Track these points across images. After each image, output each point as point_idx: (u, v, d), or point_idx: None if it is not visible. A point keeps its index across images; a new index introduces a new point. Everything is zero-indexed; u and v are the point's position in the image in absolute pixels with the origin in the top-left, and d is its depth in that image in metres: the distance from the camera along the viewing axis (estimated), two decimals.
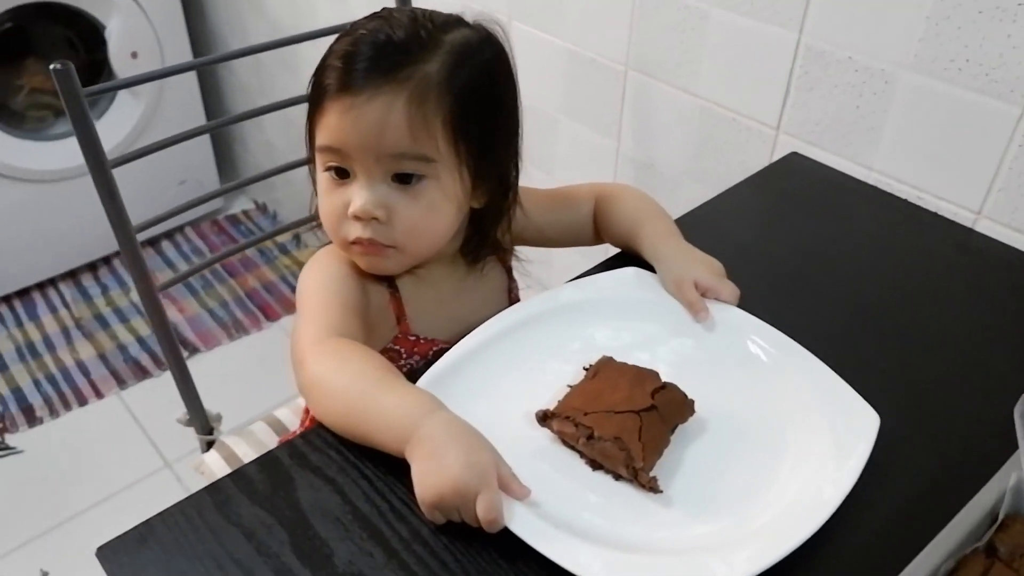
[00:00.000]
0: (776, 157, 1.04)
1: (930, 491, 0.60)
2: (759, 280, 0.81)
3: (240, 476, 0.60)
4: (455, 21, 0.72)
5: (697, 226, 0.90)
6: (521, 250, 0.88)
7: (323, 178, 0.71)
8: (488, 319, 0.72)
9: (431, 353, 0.76)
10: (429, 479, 0.54)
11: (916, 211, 0.92)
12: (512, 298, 0.87)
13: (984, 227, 0.89)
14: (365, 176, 0.69)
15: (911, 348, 0.73)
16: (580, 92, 1.27)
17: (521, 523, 0.54)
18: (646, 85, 1.17)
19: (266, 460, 0.62)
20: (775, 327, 0.70)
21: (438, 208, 0.71)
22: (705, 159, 1.14)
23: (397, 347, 0.78)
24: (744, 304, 0.73)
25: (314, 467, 0.61)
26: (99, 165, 0.93)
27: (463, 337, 0.70)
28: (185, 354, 1.98)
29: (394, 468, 0.59)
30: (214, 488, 0.59)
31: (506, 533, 0.54)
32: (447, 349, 0.69)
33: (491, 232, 0.79)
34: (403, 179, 0.69)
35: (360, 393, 0.60)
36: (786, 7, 0.96)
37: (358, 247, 0.72)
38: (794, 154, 1.02)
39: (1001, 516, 0.55)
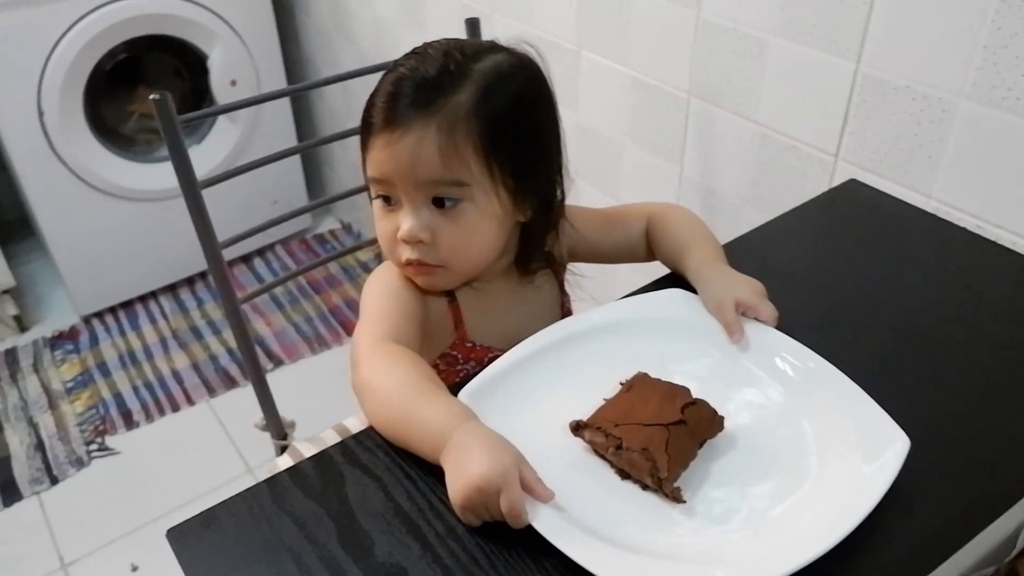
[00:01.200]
0: (835, 184, 1.05)
1: (953, 516, 0.60)
2: (807, 305, 0.83)
3: (296, 471, 0.66)
4: (488, 48, 0.77)
5: (749, 250, 0.92)
6: (577, 266, 0.92)
7: (375, 205, 0.78)
8: (540, 330, 0.76)
9: (486, 359, 0.80)
10: (456, 483, 0.59)
11: (975, 240, 0.92)
12: (564, 311, 0.91)
13: None
14: (409, 203, 0.75)
15: (953, 377, 0.73)
16: (645, 118, 1.31)
17: (547, 524, 0.58)
18: (708, 112, 1.19)
19: (320, 457, 0.67)
20: (818, 351, 0.71)
21: (477, 228, 0.77)
22: (765, 185, 1.15)
23: (454, 352, 0.83)
24: (790, 328, 0.75)
25: (363, 465, 0.66)
26: (190, 186, 1.02)
27: (513, 343, 0.74)
28: (270, 366, 2.11)
29: (435, 470, 0.63)
30: (272, 481, 0.65)
31: (533, 534, 0.58)
32: (500, 355, 0.74)
33: (539, 245, 0.84)
34: (440, 203, 0.75)
35: (403, 400, 0.65)
36: (844, 36, 0.97)
37: (411, 268, 0.78)
38: (852, 181, 1.02)
39: (1022, 544, 0.55)
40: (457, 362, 0.83)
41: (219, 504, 0.63)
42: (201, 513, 0.62)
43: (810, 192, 1.06)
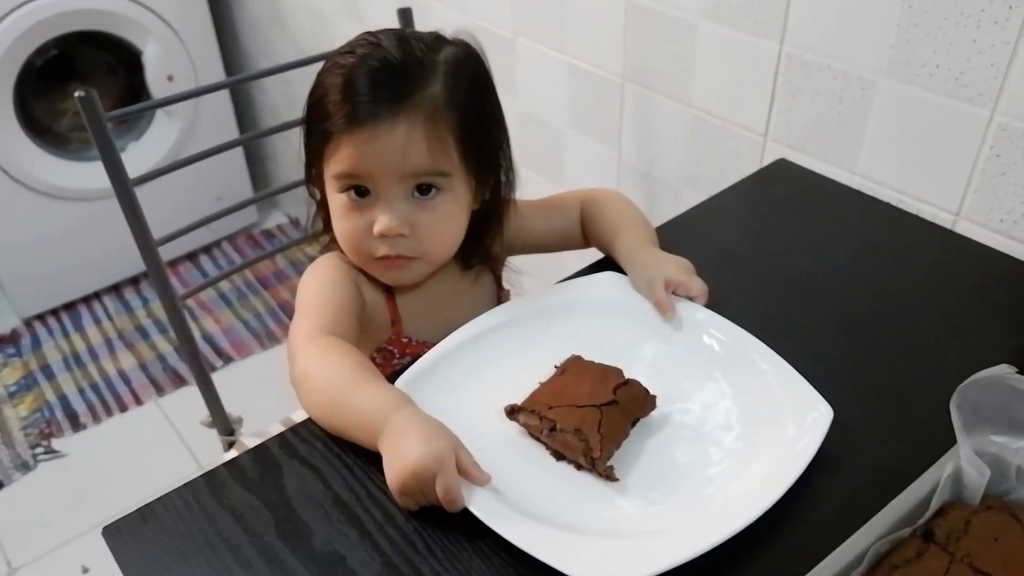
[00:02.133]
0: (765, 164, 1.08)
1: (875, 480, 0.63)
2: (741, 282, 0.85)
3: (234, 464, 0.66)
4: (439, 39, 0.76)
5: (685, 229, 0.94)
6: (512, 261, 0.93)
7: (340, 200, 0.75)
8: None
9: (422, 354, 0.81)
10: (393, 468, 0.59)
11: (898, 214, 0.95)
12: (502, 303, 0.91)
13: (963, 228, 0.91)
14: (386, 196, 0.73)
15: (879, 345, 0.76)
16: (582, 104, 1.32)
17: (483, 506, 0.59)
18: (643, 96, 1.21)
19: (259, 450, 0.67)
20: (751, 324, 0.73)
21: (453, 216, 0.77)
22: (701, 166, 1.17)
23: (390, 347, 0.83)
24: (724, 303, 0.77)
25: (300, 456, 0.66)
26: (122, 184, 1.01)
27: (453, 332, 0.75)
28: (220, 363, 2.09)
29: (373, 458, 0.64)
30: (210, 475, 0.65)
31: (471, 517, 0.59)
32: None
33: (485, 237, 0.84)
34: (423, 191, 0.74)
35: (339, 389, 0.65)
36: (767, 17, 0.99)
37: (382, 263, 0.77)
38: (781, 160, 1.05)
39: (938, 503, 0.57)
40: (393, 356, 0.83)
41: (155, 500, 0.63)
42: (137, 509, 0.62)
43: (743, 172, 1.09)
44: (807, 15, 0.95)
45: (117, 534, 0.61)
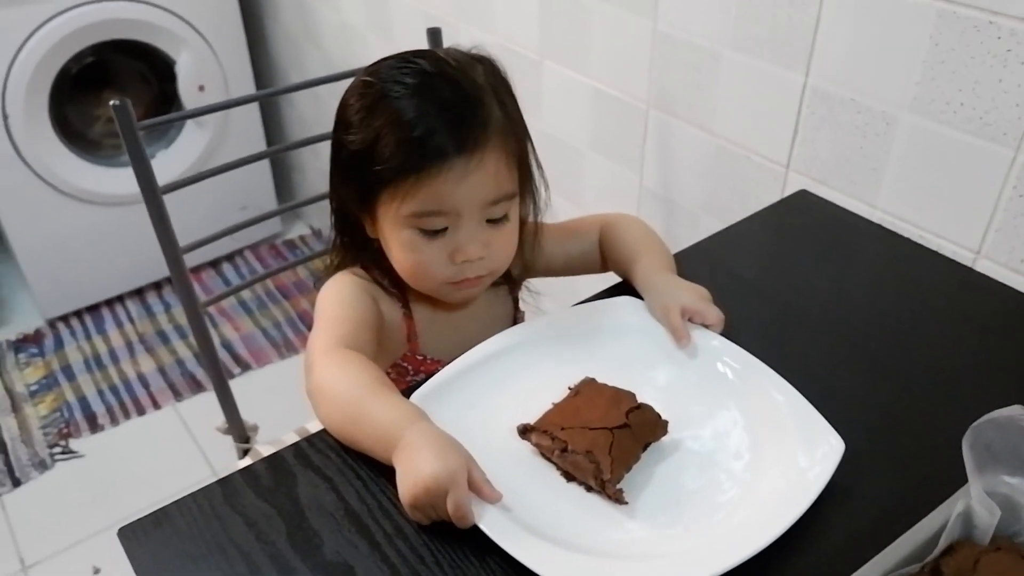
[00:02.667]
0: (786, 194, 1.08)
1: (885, 515, 0.63)
2: (757, 311, 0.85)
3: (249, 472, 0.67)
4: (469, 57, 0.77)
5: (703, 257, 0.95)
6: (530, 282, 0.94)
7: (408, 236, 0.75)
8: None
9: (436, 372, 0.82)
10: (406, 482, 0.60)
11: (917, 249, 0.95)
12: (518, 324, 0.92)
13: (983, 267, 0.91)
14: (466, 225, 0.74)
15: (893, 380, 0.76)
16: (606, 128, 1.33)
17: (492, 524, 0.59)
18: (666, 122, 1.22)
19: (273, 459, 0.68)
20: (765, 354, 0.74)
21: (515, 232, 0.80)
22: (721, 195, 1.18)
23: (405, 364, 0.84)
24: (739, 332, 0.77)
25: (315, 466, 0.67)
26: (151, 191, 1.03)
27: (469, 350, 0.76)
28: (238, 370, 2.11)
29: (386, 471, 0.64)
30: (225, 481, 0.66)
31: (479, 534, 0.59)
32: None
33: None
34: (492, 218, 0.76)
35: (355, 402, 0.66)
36: (792, 49, 1.00)
37: (456, 284, 0.78)
38: (803, 191, 1.05)
39: (946, 541, 0.57)
40: (408, 373, 0.84)
41: (171, 503, 0.64)
42: (153, 512, 0.63)
43: (763, 201, 1.09)
44: (833, 48, 0.96)
45: (132, 535, 0.62)
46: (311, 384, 0.70)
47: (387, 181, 0.72)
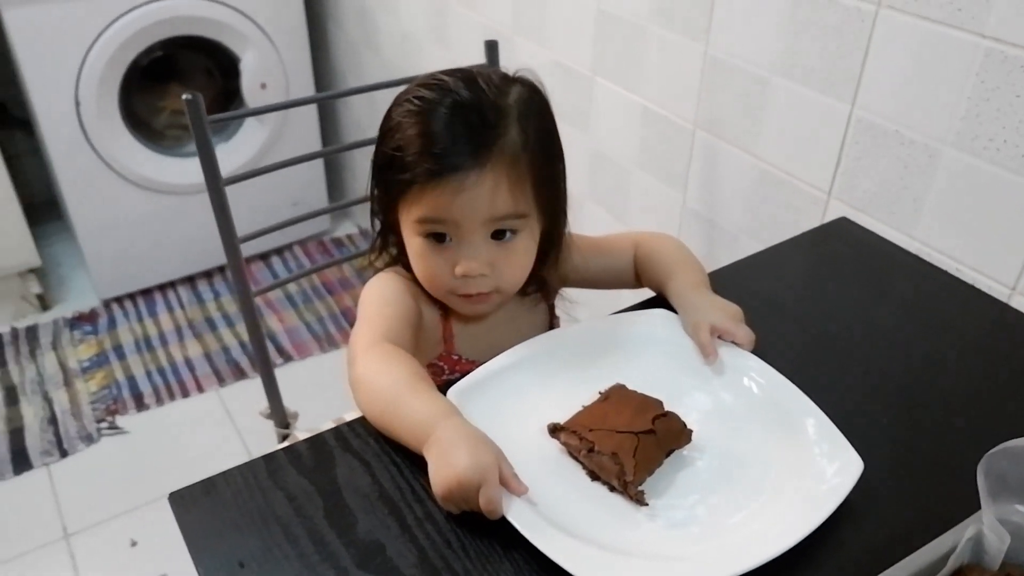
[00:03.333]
0: (826, 220, 1.10)
1: (896, 536, 0.64)
2: (787, 334, 0.87)
3: (291, 451, 0.71)
4: (506, 78, 0.80)
5: (739, 277, 0.97)
6: (567, 291, 0.97)
7: (418, 243, 0.80)
8: None
9: (469, 372, 0.85)
10: (439, 475, 0.63)
11: (953, 282, 0.96)
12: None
13: (1018, 303, 0.92)
14: (468, 239, 0.78)
15: (917, 407, 0.78)
16: (652, 146, 1.36)
17: (518, 516, 0.63)
18: (712, 144, 1.24)
19: (315, 440, 0.73)
20: (792, 375, 0.76)
21: (528, 252, 0.82)
22: (762, 217, 1.20)
23: (440, 363, 0.88)
24: (768, 352, 0.79)
25: (354, 450, 0.71)
26: (214, 182, 1.08)
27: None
28: (280, 360, 2.17)
29: (419, 459, 0.68)
30: (269, 457, 0.70)
31: (506, 524, 0.63)
32: None
33: (543, 267, 0.88)
34: (501, 235, 0.79)
35: (394, 394, 0.70)
36: (840, 79, 1.02)
37: (463, 298, 0.82)
38: (843, 219, 1.07)
39: (955, 563, 0.59)
40: (443, 372, 0.88)
41: (218, 475, 0.69)
42: (201, 481, 0.68)
43: (803, 226, 1.11)
44: (880, 81, 0.98)
45: (181, 501, 0.67)
46: (353, 375, 0.74)
47: (404, 189, 0.77)
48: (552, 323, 0.96)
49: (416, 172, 0.75)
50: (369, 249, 0.90)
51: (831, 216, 1.10)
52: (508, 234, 0.79)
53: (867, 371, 0.82)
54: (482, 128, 0.75)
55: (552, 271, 0.90)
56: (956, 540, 0.60)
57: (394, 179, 0.78)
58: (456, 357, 0.88)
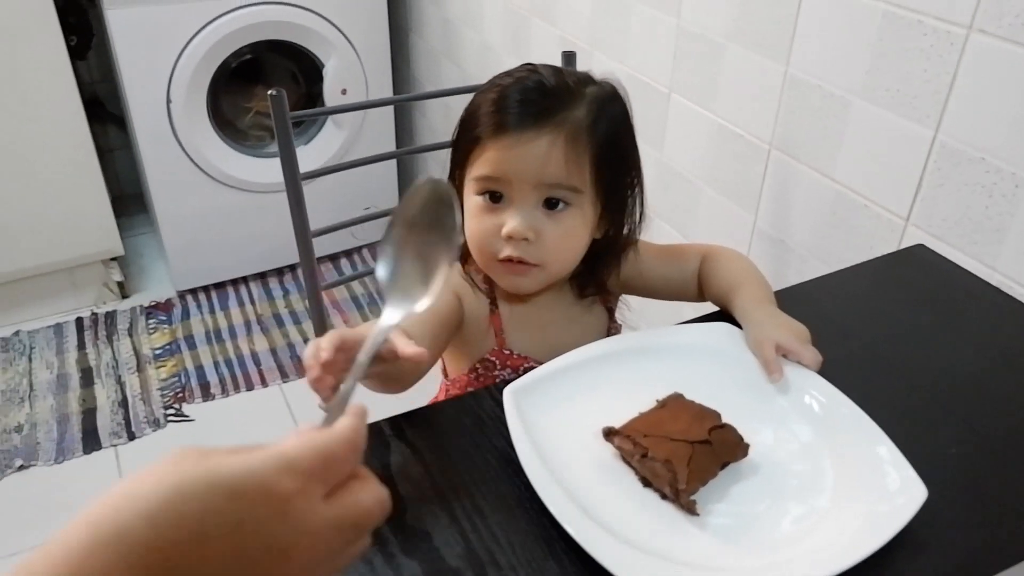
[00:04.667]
0: (902, 246, 1.07)
1: (960, 570, 0.62)
2: (852, 356, 0.85)
3: None
4: (589, 77, 0.84)
5: (804, 298, 0.95)
6: (629, 299, 0.97)
7: (475, 201, 0.83)
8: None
9: (522, 368, 0.86)
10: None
11: None
12: (610, 336, 0.95)
13: None
14: (520, 202, 0.80)
15: (987, 441, 0.75)
16: (725, 164, 1.35)
17: (564, 513, 0.62)
18: (787, 164, 1.22)
19: (371, 427, 0.73)
20: (854, 398, 0.73)
21: (577, 233, 0.83)
22: (835, 241, 1.17)
23: (492, 359, 0.89)
24: (832, 374, 0.77)
25: (408, 440, 0.72)
26: (293, 176, 1.12)
27: (550, 358, 0.79)
28: None
29: (472, 451, 0.68)
30: None
31: (554, 524, 0.62)
32: (536, 366, 0.79)
33: (603, 267, 0.89)
34: (551, 205, 0.81)
35: None
36: (924, 104, 1.00)
37: (504, 265, 0.83)
38: (920, 246, 1.04)
39: None
40: (495, 367, 0.89)
41: None
42: None
43: (878, 252, 1.08)
44: (967, 107, 0.95)
45: None
46: None
47: (469, 148, 0.81)
48: (611, 329, 0.95)
49: (483, 127, 0.79)
50: None
51: (908, 243, 1.07)
52: (560, 204, 0.80)
53: (935, 399, 0.80)
54: (552, 99, 0.79)
55: (611, 274, 0.90)
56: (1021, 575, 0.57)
57: (467, 137, 0.82)
58: (508, 352, 0.89)
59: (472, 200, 0.83)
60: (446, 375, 0.97)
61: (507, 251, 0.81)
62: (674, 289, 0.95)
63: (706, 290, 0.92)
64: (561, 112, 0.79)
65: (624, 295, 0.96)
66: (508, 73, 0.83)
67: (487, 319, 0.88)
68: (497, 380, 0.87)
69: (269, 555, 0.38)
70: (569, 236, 0.83)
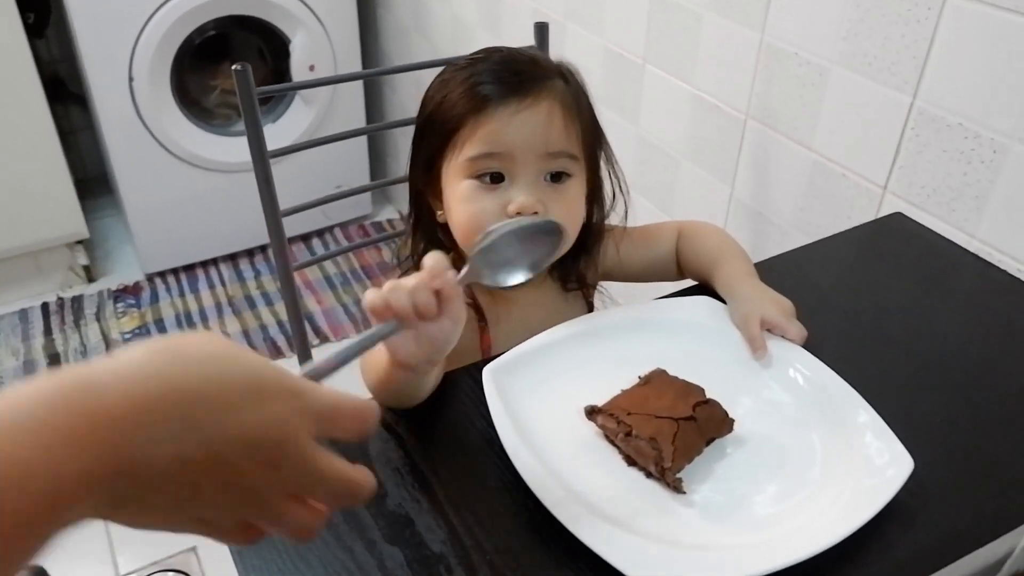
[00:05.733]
0: (881, 215, 1.06)
1: (948, 539, 0.61)
2: (837, 328, 0.84)
3: None
4: (546, 56, 0.84)
5: (789, 267, 0.94)
6: (608, 288, 0.95)
7: (468, 185, 0.78)
8: None
9: None
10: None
11: (1014, 283, 0.92)
12: None
13: None
14: (522, 176, 0.76)
15: (974, 409, 0.74)
16: (702, 136, 1.33)
17: (548, 495, 0.61)
18: (763, 135, 1.21)
19: None
20: (839, 370, 0.73)
21: (580, 204, 0.81)
22: (813, 211, 1.16)
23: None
24: (816, 346, 0.76)
25: (387, 424, 0.70)
26: (260, 155, 1.08)
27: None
28: (316, 341, 2.18)
29: (452, 437, 0.67)
30: None
31: (536, 506, 0.61)
32: None
33: (586, 254, 0.87)
34: (555, 177, 0.78)
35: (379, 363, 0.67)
36: (902, 70, 0.98)
37: None
38: (898, 214, 1.03)
39: (1011, 570, 0.56)
40: None
41: None
42: None
43: (856, 221, 1.08)
44: (945, 71, 0.94)
45: None
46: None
47: (450, 133, 0.77)
48: None
49: (468, 107, 0.75)
50: (405, 235, 0.89)
51: (886, 211, 1.06)
52: (562, 177, 0.78)
53: (920, 369, 0.79)
54: (534, 68, 0.77)
55: (594, 262, 0.88)
56: (1013, 545, 0.57)
57: (444, 124, 0.77)
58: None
59: (463, 186, 0.78)
60: None
61: None
62: (654, 271, 0.94)
63: (685, 267, 0.91)
64: (547, 80, 0.77)
65: (604, 286, 0.94)
66: (467, 58, 0.80)
67: (475, 335, 0.85)
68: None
69: (238, 446, 0.37)
70: (574, 206, 0.80)
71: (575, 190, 0.80)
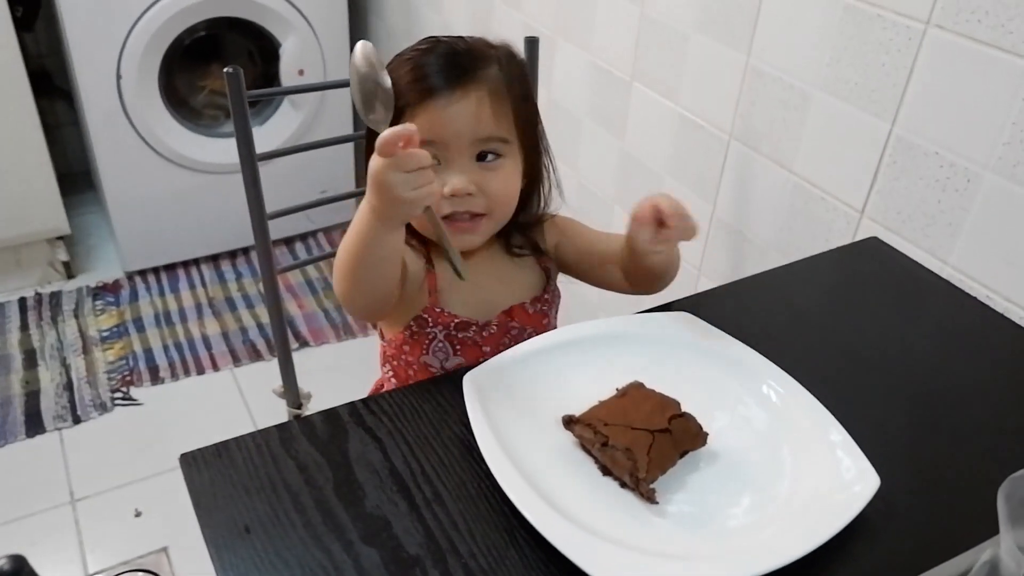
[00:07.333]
0: (857, 239, 1.08)
1: (911, 555, 0.63)
2: (810, 346, 0.86)
3: (306, 422, 0.71)
4: (487, 42, 0.90)
5: (764, 288, 0.96)
6: (587, 293, 0.97)
7: None
8: (512, 306, 0.91)
9: (452, 325, 0.90)
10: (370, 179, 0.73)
11: (983, 310, 0.94)
12: (547, 300, 0.97)
13: None
14: (457, 160, 0.84)
15: (940, 430, 0.76)
16: (685, 154, 1.35)
17: (525, 502, 0.62)
18: (746, 155, 1.23)
19: (329, 414, 0.72)
20: (811, 388, 0.75)
21: (512, 179, 0.88)
22: (792, 232, 1.19)
23: (425, 315, 0.90)
24: (792, 366, 0.78)
25: (366, 426, 0.71)
26: (248, 157, 1.09)
27: (483, 316, 0.85)
28: (296, 345, 2.17)
29: (432, 440, 0.68)
30: (282, 426, 0.71)
31: (514, 512, 0.62)
32: (465, 323, 0.89)
33: (525, 212, 0.94)
34: (483, 157, 0.85)
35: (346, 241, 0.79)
36: (882, 97, 1.01)
37: (452, 225, 0.86)
38: (874, 238, 1.06)
39: None
40: (427, 324, 0.90)
41: (231, 439, 0.69)
42: (214, 444, 0.68)
43: (833, 244, 1.10)
44: (923, 100, 0.97)
45: (192, 462, 0.67)
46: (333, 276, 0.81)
47: (396, 118, 0.82)
48: (548, 289, 0.97)
49: (407, 98, 0.82)
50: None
51: (862, 235, 1.08)
52: (491, 156, 0.85)
53: (890, 390, 0.81)
54: (467, 61, 0.85)
55: (536, 226, 0.96)
56: (971, 563, 0.59)
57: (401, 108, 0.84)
58: (439, 310, 0.90)
59: None
60: (383, 337, 0.98)
61: (448, 208, 0.85)
62: (600, 259, 0.97)
63: (624, 263, 0.93)
64: (480, 71, 0.84)
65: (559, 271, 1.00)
66: (413, 48, 0.87)
67: (423, 277, 0.90)
68: (429, 338, 0.91)
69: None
70: (506, 182, 0.87)
71: (506, 168, 0.87)
